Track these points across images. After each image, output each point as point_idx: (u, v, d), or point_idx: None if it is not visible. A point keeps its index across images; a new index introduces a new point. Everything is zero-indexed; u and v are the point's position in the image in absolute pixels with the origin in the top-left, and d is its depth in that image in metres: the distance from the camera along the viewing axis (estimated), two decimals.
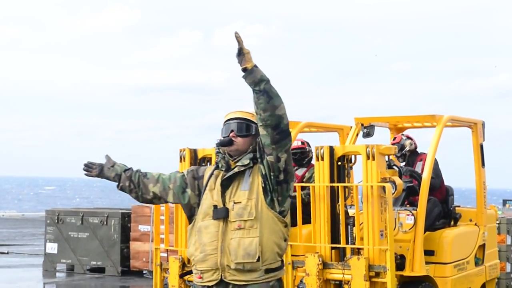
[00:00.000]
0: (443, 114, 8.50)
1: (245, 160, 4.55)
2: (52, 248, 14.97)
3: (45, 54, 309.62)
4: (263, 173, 4.49)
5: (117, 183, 4.80)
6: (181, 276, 6.75)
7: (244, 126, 4.61)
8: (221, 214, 4.49)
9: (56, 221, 14.94)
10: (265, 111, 4.31)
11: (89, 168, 4.76)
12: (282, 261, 4.58)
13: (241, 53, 4.31)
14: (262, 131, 4.39)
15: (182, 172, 4.79)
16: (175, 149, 9.21)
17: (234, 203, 4.48)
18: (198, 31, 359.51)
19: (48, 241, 15.02)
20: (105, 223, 14.46)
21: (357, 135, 8.82)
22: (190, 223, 4.69)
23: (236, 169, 4.55)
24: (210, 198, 4.57)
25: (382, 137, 9.55)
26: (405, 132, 9.27)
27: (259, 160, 4.52)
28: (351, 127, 9.14)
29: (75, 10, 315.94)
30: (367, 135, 8.67)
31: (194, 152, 8.83)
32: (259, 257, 4.41)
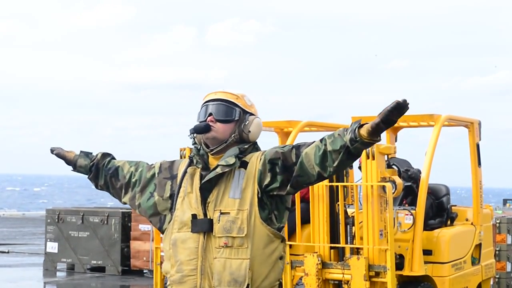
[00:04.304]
0: (440, 113, 8.52)
1: (230, 159, 3.70)
2: (52, 247, 15.01)
3: (39, 50, 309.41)
4: (265, 184, 3.67)
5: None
6: None
7: (226, 109, 3.79)
8: (203, 227, 3.66)
9: (57, 220, 14.98)
10: (339, 169, 3.55)
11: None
12: (279, 284, 3.81)
13: (401, 112, 3.35)
14: (310, 173, 3.59)
15: (153, 171, 3.95)
16: (175, 146, 9.26)
17: (221, 213, 3.65)
18: (192, 27, 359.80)
19: (48, 240, 15.07)
20: (105, 222, 14.50)
21: None
22: (162, 233, 3.85)
23: (218, 170, 3.68)
24: (188, 203, 3.73)
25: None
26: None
27: (266, 171, 3.66)
28: None
29: (69, 4, 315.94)
30: None
31: None
32: (248, 284, 3.62)
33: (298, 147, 3.64)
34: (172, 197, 3.80)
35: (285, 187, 3.64)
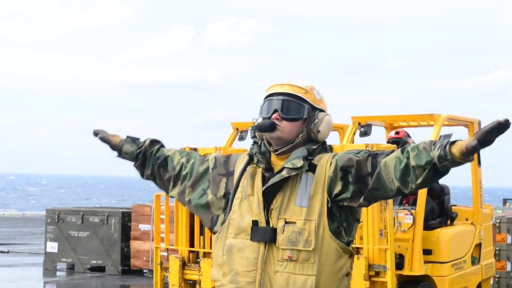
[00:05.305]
0: (440, 113, 8.52)
1: (298, 161, 3.28)
2: (52, 247, 15.01)
3: (38, 50, 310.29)
4: (335, 193, 3.29)
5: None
6: None
7: (293, 106, 3.35)
8: (264, 236, 3.26)
9: (57, 220, 14.98)
10: (422, 186, 3.18)
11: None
12: None
13: (501, 132, 2.99)
14: (389, 187, 3.20)
15: (207, 165, 3.54)
16: (174, 147, 9.28)
17: (286, 222, 3.26)
18: (190, 27, 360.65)
19: (48, 240, 15.06)
20: (105, 222, 14.50)
21: (354, 134, 8.83)
22: (213, 233, 3.48)
23: (284, 173, 3.27)
24: (247, 207, 3.33)
25: (379, 136, 9.56)
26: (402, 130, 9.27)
27: (337, 179, 3.28)
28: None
29: (67, 4, 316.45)
30: (365, 134, 8.67)
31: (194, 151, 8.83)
32: None
33: (375, 155, 3.25)
34: (226, 196, 3.42)
35: (358, 198, 3.27)
